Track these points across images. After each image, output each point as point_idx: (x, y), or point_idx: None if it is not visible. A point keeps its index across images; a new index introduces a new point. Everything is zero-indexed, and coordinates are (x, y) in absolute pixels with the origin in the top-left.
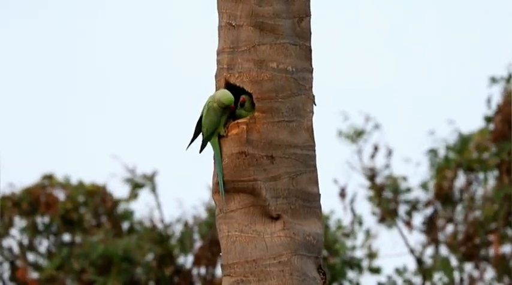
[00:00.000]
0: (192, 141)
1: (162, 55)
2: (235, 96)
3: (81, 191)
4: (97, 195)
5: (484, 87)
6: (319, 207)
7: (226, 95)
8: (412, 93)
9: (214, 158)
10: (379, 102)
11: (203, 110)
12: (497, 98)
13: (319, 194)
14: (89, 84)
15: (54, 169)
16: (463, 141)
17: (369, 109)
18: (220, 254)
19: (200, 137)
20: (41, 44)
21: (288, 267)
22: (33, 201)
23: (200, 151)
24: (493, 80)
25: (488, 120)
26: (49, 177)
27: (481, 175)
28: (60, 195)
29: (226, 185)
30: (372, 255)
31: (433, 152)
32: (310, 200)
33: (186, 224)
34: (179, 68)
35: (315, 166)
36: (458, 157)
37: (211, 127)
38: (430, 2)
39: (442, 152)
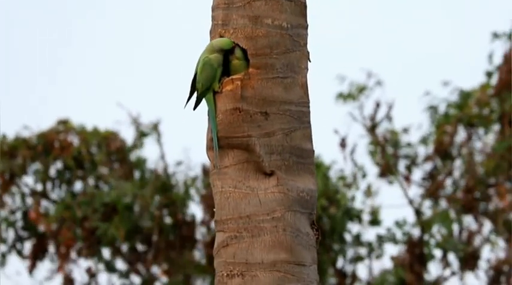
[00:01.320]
0: (189, 98)
1: (162, 9)
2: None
3: (96, 137)
4: (111, 141)
5: (484, 44)
6: (313, 163)
7: (224, 40)
8: (411, 51)
9: (208, 114)
10: (379, 59)
11: (197, 66)
12: (499, 54)
13: (313, 151)
14: (100, 35)
15: (69, 115)
16: (464, 97)
17: (369, 65)
18: (214, 209)
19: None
20: None
21: (282, 223)
22: (47, 145)
23: (194, 108)
24: (495, 35)
25: (489, 75)
26: (64, 122)
27: (481, 131)
28: (75, 140)
29: (220, 142)
30: (374, 213)
31: (433, 108)
32: (304, 157)
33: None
34: (179, 22)
35: (309, 122)
36: (459, 113)
37: (207, 83)
38: None
39: (442, 109)
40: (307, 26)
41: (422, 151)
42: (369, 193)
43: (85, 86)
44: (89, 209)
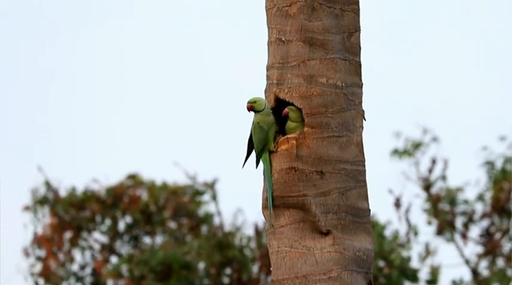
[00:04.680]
0: (247, 158)
1: (216, 69)
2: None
3: (164, 192)
4: (179, 196)
5: None
6: (369, 222)
7: (257, 100)
8: (468, 106)
9: (264, 174)
10: (435, 117)
11: (251, 128)
12: None
13: (369, 210)
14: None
15: (136, 169)
16: None
17: (425, 121)
18: (271, 269)
19: (253, 153)
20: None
21: (338, 282)
22: (116, 198)
23: (256, 166)
24: None
25: None
26: (133, 176)
27: None
28: (144, 195)
29: (276, 201)
30: (433, 272)
31: (489, 164)
32: (360, 216)
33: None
34: (235, 82)
35: (364, 181)
36: None
37: (260, 144)
38: (496, 9)
39: (499, 165)
40: (362, 84)
41: (479, 207)
42: (427, 252)
43: (152, 141)
44: (145, 268)
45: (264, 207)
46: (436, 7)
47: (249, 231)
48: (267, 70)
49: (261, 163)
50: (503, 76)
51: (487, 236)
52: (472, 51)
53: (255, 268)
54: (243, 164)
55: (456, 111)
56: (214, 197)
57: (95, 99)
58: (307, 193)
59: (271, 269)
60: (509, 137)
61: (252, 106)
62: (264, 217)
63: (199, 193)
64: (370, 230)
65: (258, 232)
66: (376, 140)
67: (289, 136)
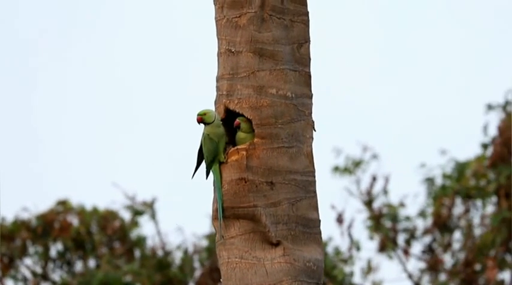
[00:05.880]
0: (196, 169)
1: (163, 82)
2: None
3: (95, 217)
4: (110, 220)
5: (478, 115)
6: (320, 233)
7: (206, 113)
8: (406, 122)
9: (214, 185)
10: (375, 131)
11: (201, 139)
12: (494, 125)
13: (319, 220)
14: (98, 112)
15: (67, 195)
16: (460, 169)
17: (364, 138)
18: (221, 280)
19: (203, 164)
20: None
21: None
22: (47, 226)
23: (206, 177)
24: (490, 107)
25: (485, 146)
26: (63, 202)
27: (479, 202)
28: (74, 221)
29: (226, 212)
30: None
31: (429, 180)
32: (310, 226)
33: (186, 252)
34: (181, 93)
35: (314, 191)
36: (456, 185)
37: (211, 155)
38: (426, 26)
39: (439, 181)
40: (312, 95)
41: (420, 224)
42: (369, 268)
43: (82, 165)
44: None
45: (214, 218)
46: (384, 18)
47: (189, 249)
48: (217, 81)
49: (211, 174)
50: (441, 90)
51: (429, 252)
52: (412, 66)
53: None
54: (193, 176)
55: (395, 126)
56: (153, 216)
57: (22, 123)
58: (257, 204)
59: (221, 280)
60: (449, 151)
61: (202, 119)
62: (214, 228)
63: (138, 213)
64: (321, 241)
65: (196, 250)
66: (319, 154)
67: (239, 147)
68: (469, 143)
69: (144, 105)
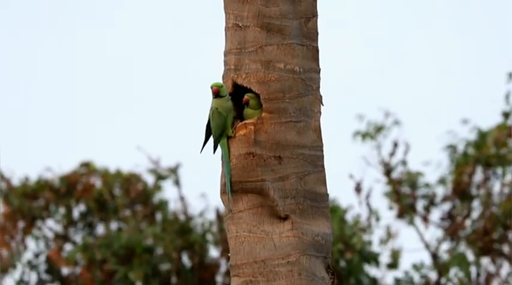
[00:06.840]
0: (205, 143)
1: (175, 55)
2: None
3: (118, 179)
4: (133, 183)
5: (501, 83)
6: (328, 207)
7: (219, 85)
8: (429, 91)
9: (222, 159)
10: (398, 98)
11: (209, 113)
12: None
13: (327, 194)
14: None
15: (91, 158)
16: (482, 137)
17: (387, 105)
18: (229, 254)
19: (211, 139)
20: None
21: (297, 267)
22: (70, 187)
23: (214, 152)
24: (511, 76)
25: (506, 115)
26: (87, 164)
27: (499, 170)
28: (97, 183)
29: (234, 186)
30: (394, 256)
31: (452, 148)
32: (318, 200)
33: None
34: (194, 67)
35: (322, 166)
36: (477, 153)
37: (219, 130)
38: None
39: (461, 148)
40: (320, 70)
41: (440, 191)
42: (388, 235)
43: (108, 128)
44: (108, 252)
45: (223, 192)
46: None
47: (211, 216)
48: (225, 55)
49: (219, 148)
50: (465, 61)
51: (449, 219)
52: (435, 35)
53: (216, 253)
54: (201, 150)
55: (418, 95)
56: (177, 182)
57: (47, 87)
58: (265, 178)
59: (229, 254)
60: (471, 120)
61: (218, 90)
62: (223, 202)
63: (161, 177)
64: (329, 215)
65: (219, 217)
66: (337, 125)
67: (247, 121)
68: (491, 113)
69: (165, 74)
